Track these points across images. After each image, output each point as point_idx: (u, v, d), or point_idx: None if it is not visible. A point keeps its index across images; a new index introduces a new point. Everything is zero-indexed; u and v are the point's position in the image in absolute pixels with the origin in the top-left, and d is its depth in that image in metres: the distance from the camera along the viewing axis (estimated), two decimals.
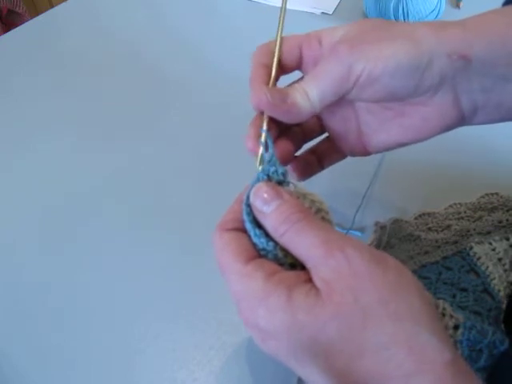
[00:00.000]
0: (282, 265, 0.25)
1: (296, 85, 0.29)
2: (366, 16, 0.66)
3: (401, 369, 0.20)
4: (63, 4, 0.78)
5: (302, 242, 0.23)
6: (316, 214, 0.26)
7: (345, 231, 0.40)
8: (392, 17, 0.61)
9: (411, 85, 0.28)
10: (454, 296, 0.32)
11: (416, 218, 0.41)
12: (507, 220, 0.38)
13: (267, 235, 0.25)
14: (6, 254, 0.43)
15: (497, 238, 0.34)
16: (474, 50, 0.27)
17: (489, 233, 0.37)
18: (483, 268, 0.33)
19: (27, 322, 0.38)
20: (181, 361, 0.34)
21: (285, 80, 0.32)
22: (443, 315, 0.29)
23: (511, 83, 0.28)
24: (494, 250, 0.34)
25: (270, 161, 0.27)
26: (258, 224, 0.25)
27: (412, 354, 0.20)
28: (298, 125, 0.33)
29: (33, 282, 0.40)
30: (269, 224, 0.25)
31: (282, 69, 0.32)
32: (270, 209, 0.25)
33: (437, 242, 0.37)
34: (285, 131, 0.32)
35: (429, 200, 0.42)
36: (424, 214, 0.41)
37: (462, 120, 0.30)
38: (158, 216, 0.44)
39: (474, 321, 0.29)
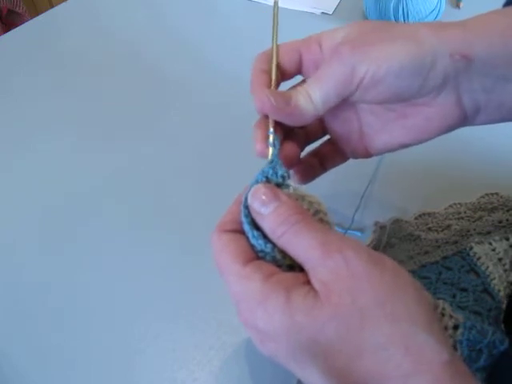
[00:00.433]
0: (280, 266, 0.25)
1: (299, 87, 0.29)
2: (365, 16, 0.66)
3: (399, 369, 0.20)
4: (63, 4, 0.78)
5: (300, 244, 0.23)
6: (314, 215, 0.26)
7: (344, 231, 0.40)
8: (392, 17, 0.61)
9: (415, 85, 0.28)
10: (453, 296, 0.32)
11: (416, 218, 0.41)
12: (507, 220, 0.38)
13: (265, 237, 0.25)
14: (6, 254, 0.43)
15: (497, 238, 0.34)
16: (475, 50, 0.27)
17: (489, 233, 0.37)
18: (483, 268, 0.33)
19: (27, 322, 0.38)
20: (181, 361, 0.34)
21: (286, 86, 0.32)
22: (443, 315, 0.29)
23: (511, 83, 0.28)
24: (494, 250, 0.34)
25: (271, 162, 0.27)
26: (256, 226, 0.25)
27: (409, 355, 0.20)
28: (301, 127, 0.33)
29: (33, 282, 0.40)
30: (267, 226, 0.25)
31: (283, 74, 0.32)
32: (267, 210, 0.25)
33: (437, 241, 0.37)
34: (288, 134, 0.32)
35: (429, 200, 0.42)
36: (424, 214, 0.41)
37: (465, 120, 0.30)
38: (157, 216, 0.44)
39: (474, 321, 0.29)
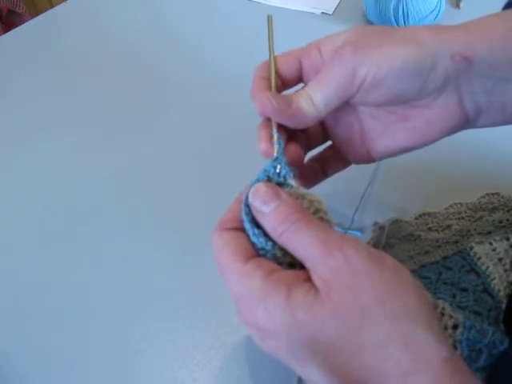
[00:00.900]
0: (280, 264, 0.25)
1: (301, 90, 0.29)
2: (365, 16, 0.66)
3: (398, 367, 0.20)
4: (63, 4, 0.78)
5: (301, 242, 0.23)
6: (314, 214, 0.26)
7: (344, 231, 0.40)
8: (392, 17, 0.61)
9: (416, 86, 0.28)
10: (454, 296, 0.31)
11: (416, 218, 0.41)
12: (507, 220, 0.38)
13: (266, 235, 0.25)
14: (6, 254, 0.43)
15: (497, 238, 0.34)
16: (476, 52, 0.27)
17: (489, 233, 0.37)
18: (483, 268, 0.33)
19: (27, 322, 0.38)
20: (181, 361, 0.34)
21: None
22: (442, 315, 0.29)
23: None
24: (494, 250, 0.34)
25: (276, 159, 0.27)
26: (256, 224, 0.26)
27: (409, 352, 0.20)
28: (303, 131, 0.33)
29: (33, 282, 0.40)
30: (267, 224, 0.25)
31: (284, 83, 0.32)
32: (268, 209, 0.25)
33: (437, 241, 0.37)
34: (290, 138, 0.32)
35: (429, 200, 0.42)
36: (424, 214, 0.41)
37: (466, 122, 0.30)
38: (157, 216, 0.44)
39: (474, 321, 0.29)
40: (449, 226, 0.39)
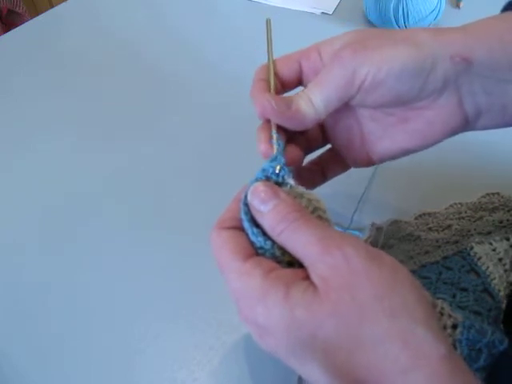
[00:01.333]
0: (279, 263, 0.25)
1: (300, 92, 0.29)
2: (366, 16, 0.66)
3: (397, 364, 0.20)
4: (63, 4, 0.78)
5: (299, 241, 0.24)
6: (313, 212, 0.26)
7: (343, 230, 0.40)
8: (392, 17, 0.60)
9: (416, 88, 0.28)
10: (454, 296, 0.31)
11: (416, 218, 0.41)
12: (508, 220, 0.38)
13: (265, 234, 0.25)
14: (6, 254, 0.43)
15: (497, 238, 0.34)
16: (476, 53, 0.27)
17: (489, 233, 0.37)
18: (483, 268, 0.33)
19: (27, 322, 0.38)
20: (181, 361, 0.34)
21: None
22: (441, 314, 0.29)
23: None
24: (494, 250, 0.34)
25: (273, 159, 0.27)
26: (255, 223, 0.26)
27: (407, 349, 0.20)
28: (302, 134, 0.33)
29: (33, 282, 0.40)
30: (266, 223, 0.25)
31: (283, 85, 0.32)
32: (267, 208, 0.25)
33: (437, 241, 0.37)
34: (290, 140, 0.32)
35: (429, 200, 0.42)
36: (424, 214, 0.41)
37: (466, 124, 0.30)
38: (157, 216, 0.44)
39: (474, 320, 0.29)
40: (449, 226, 0.39)
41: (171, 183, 0.47)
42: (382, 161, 0.33)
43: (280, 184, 0.27)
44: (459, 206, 0.41)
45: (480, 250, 0.34)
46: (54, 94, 0.60)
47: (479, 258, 0.34)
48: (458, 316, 0.29)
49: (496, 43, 0.27)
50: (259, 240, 0.25)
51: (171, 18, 0.72)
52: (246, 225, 0.26)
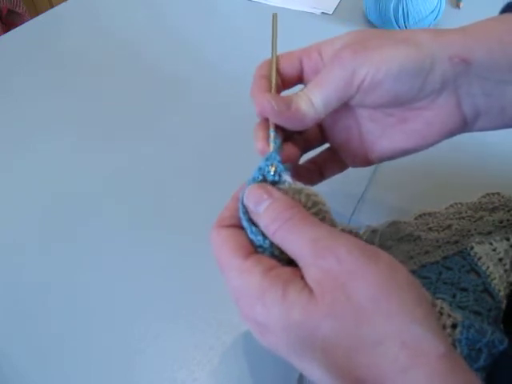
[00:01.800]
0: (280, 261, 0.25)
1: (300, 92, 0.29)
2: (366, 16, 0.66)
3: (396, 363, 0.20)
4: (63, 4, 0.78)
5: (292, 241, 0.24)
6: (313, 207, 0.26)
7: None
8: (392, 17, 0.61)
9: (415, 88, 0.28)
10: (454, 296, 0.31)
11: (416, 218, 0.41)
12: (508, 220, 0.38)
13: (264, 233, 0.25)
14: (6, 254, 0.43)
15: (497, 238, 0.34)
16: (475, 54, 0.27)
17: (490, 233, 0.37)
18: (484, 268, 0.33)
19: (27, 322, 0.38)
20: (181, 361, 0.34)
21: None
22: (441, 314, 0.29)
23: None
24: (494, 250, 0.34)
25: (268, 158, 0.27)
26: (254, 222, 0.26)
27: (406, 349, 0.20)
28: (301, 133, 0.33)
29: (33, 282, 0.40)
30: (262, 223, 0.25)
31: (284, 82, 0.32)
32: (261, 209, 0.25)
33: (437, 241, 0.37)
34: (287, 139, 0.32)
35: (429, 200, 0.42)
36: (424, 214, 0.41)
37: (465, 125, 0.30)
38: (157, 216, 0.44)
39: (474, 320, 0.29)
40: (449, 226, 0.39)
41: (171, 183, 0.47)
42: (380, 161, 0.33)
43: (277, 182, 0.27)
44: (459, 205, 0.41)
45: (480, 249, 0.34)
46: (54, 94, 0.60)
47: (479, 258, 0.34)
48: (458, 316, 0.29)
49: (495, 44, 0.27)
50: (258, 239, 0.25)
51: (171, 18, 0.72)
52: (245, 224, 0.26)
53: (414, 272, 0.35)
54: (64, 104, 0.58)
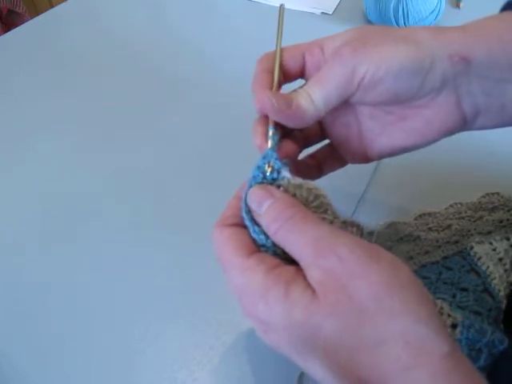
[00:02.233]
0: (283, 260, 0.25)
1: (300, 89, 0.29)
2: (366, 16, 0.66)
3: (399, 362, 0.20)
4: (63, 4, 0.78)
5: (293, 242, 0.24)
6: (315, 200, 0.26)
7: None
8: (392, 17, 0.61)
9: (414, 86, 0.28)
10: (454, 296, 0.31)
11: (416, 219, 0.41)
12: (508, 220, 0.38)
13: (266, 232, 0.25)
14: (6, 254, 0.43)
15: (497, 237, 0.34)
16: (475, 53, 0.27)
17: (489, 233, 0.37)
18: (484, 268, 0.33)
19: (27, 322, 0.38)
20: (181, 361, 0.34)
21: (287, 89, 0.32)
22: (441, 314, 0.29)
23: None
24: (494, 249, 0.34)
25: (265, 156, 0.27)
26: (256, 221, 0.26)
27: (409, 348, 0.20)
28: (300, 130, 0.33)
29: (33, 282, 0.40)
30: (263, 223, 0.25)
31: (286, 76, 0.32)
32: (263, 209, 0.25)
33: (437, 241, 0.37)
34: (286, 135, 0.32)
35: (429, 200, 0.42)
36: (424, 214, 0.41)
37: (464, 123, 0.30)
38: (158, 216, 0.44)
39: (474, 320, 0.29)
40: (449, 226, 0.39)
41: (171, 183, 0.47)
42: (379, 158, 0.33)
43: (276, 178, 0.27)
44: (459, 205, 0.41)
45: (480, 249, 0.34)
46: (54, 94, 0.60)
47: (479, 258, 0.34)
48: (458, 316, 0.29)
49: (495, 43, 0.27)
50: (261, 238, 0.25)
51: (171, 19, 0.72)
52: (248, 223, 0.26)
53: (414, 272, 0.35)
54: (64, 104, 0.58)
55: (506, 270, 0.33)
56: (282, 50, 0.32)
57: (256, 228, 0.25)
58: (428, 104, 0.29)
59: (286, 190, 0.26)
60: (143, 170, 0.49)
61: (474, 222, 0.39)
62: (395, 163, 0.40)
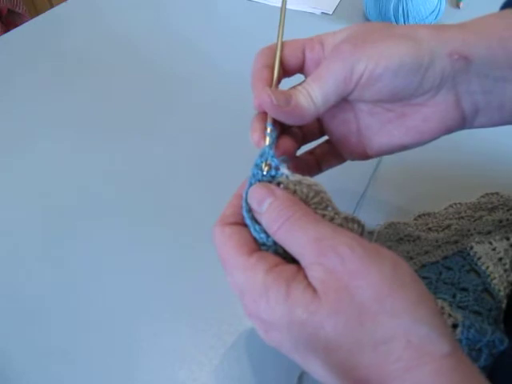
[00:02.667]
0: (284, 258, 0.25)
1: (299, 87, 0.29)
2: (366, 16, 0.66)
3: (400, 362, 0.20)
4: (63, 4, 0.78)
5: (294, 241, 0.24)
6: (315, 196, 0.26)
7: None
8: (392, 17, 0.61)
9: (413, 84, 0.28)
10: (454, 296, 0.32)
11: (416, 219, 0.41)
12: (507, 220, 0.38)
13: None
14: (6, 253, 0.43)
15: (497, 237, 0.34)
16: (475, 51, 0.27)
17: (489, 232, 0.37)
18: (484, 268, 0.33)
19: (27, 322, 0.38)
20: (181, 361, 0.34)
21: (286, 83, 0.32)
22: (442, 314, 0.29)
23: (511, 84, 0.28)
24: (494, 249, 0.34)
25: (262, 154, 0.27)
26: (257, 220, 0.26)
27: (410, 348, 0.20)
28: (299, 126, 0.33)
29: (33, 282, 0.40)
30: (264, 222, 0.25)
31: (285, 71, 0.32)
32: (263, 208, 0.25)
33: (437, 241, 0.37)
34: (284, 131, 0.32)
35: (428, 200, 0.42)
36: (424, 215, 0.41)
37: (463, 122, 0.30)
38: (158, 216, 0.44)
39: (474, 320, 0.29)
40: (449, 226, 0.39)
41: (171, 182, 0.47)
42: (377, 155, 0.33)
43: (275, 176, 0.27)
44: (459, 205, 0.41)
45: (480, 249, 0.34)
46: (54, 94, 0.60)
47: (479, 258, 0.34)
48: (458, 316, 0.29)
49: (495, 40, 0.27)
50: (261, 236, 0.25)
51: (171, 19, 0.72)
52: (249, 222, 0.26)
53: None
54: (64, 104, 0.58)
55: (505, 270, 0.33)
56: (282, 45, 0.31)
57: (257, 227, 0.25)
58: (427, 102, 0.29)
59: (286, 187, 0.26)
60: (144, 169, 0.49)
61: (474, 221, 0.39)
62: (395, 163, 0.41)
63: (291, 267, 0.24)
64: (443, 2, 0.61)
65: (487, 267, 0.33)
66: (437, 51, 0.28)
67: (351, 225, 0.26)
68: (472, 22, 0.29)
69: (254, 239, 0.26)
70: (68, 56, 0.66)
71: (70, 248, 0.42)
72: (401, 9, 0.60)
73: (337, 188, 0.43)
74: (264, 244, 0.25)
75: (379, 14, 0.62)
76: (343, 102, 0.30)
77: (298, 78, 0.32)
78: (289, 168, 0.27)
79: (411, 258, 0.37)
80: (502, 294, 0.32)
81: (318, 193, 0.26)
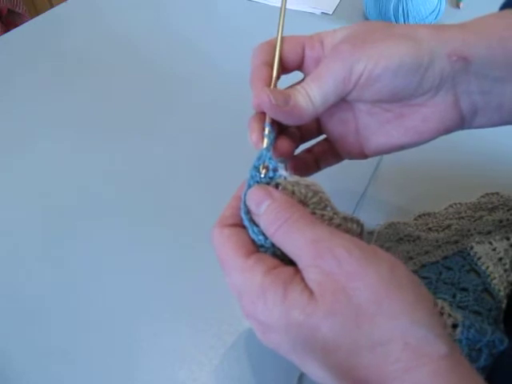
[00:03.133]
0: (282, 260, 0.25)
1: (298, 86, 0.29)
2: (366, 16, 0.66)
3: (397, 364, 0.20)
4: (63, 4, 0.78)
5: (291, 243, 0.24)
6: (314, 196, 0.26)
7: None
8: (392, 17, 0.61)
9: (413, 84, 0.28)
10: (454, 296, 0.32)
11: (416, 219, 0.41)
12: (507, 220, 0.38)
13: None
14: (6, 253, 0.43)
15: (497, 237, 0.34)
16: (474, 51, 0.27)
17: (489, 232, 0.37)
18: (484, 268, 0.33)
19: (27, 322, 0.38)
20: (181, 361, 0.34)
21: (284, 80, 0.32)
22: (441, 314, 0.29)
23: (510, 84, 0.28)
24: (494, 249, 0.34)
25: (260, 157, 0.27)
26: (255, 222, 0.26)
27: (407, 350, 0.20)
28: (296, 126, 0.33)
29: (33, 282, 0.40)
30: (262, 224, 0.25)
31: (284, 67, 0.31)
32: (261, 210, 0.25)
33: (437, 241, 0.37)
34: (282, 131, 0.32)
35: (429, 200, 0.42)
36: (424, 215, 0.41)
37: (462, 122, 0.30)
38: (158, 216, 0.44)
39: (474, 320, 0.29)
40: (449, 226, 0.39)
41: (171, 183, 0.47)
42: (375, 154, 0.33)
43: (273, 177, 0.27)
44: (459, 205, 0.41)
45: (480, 249, 0.34)
46: (54, 94, 0.60)
47: (479, 258, 0.34)
48: (458, 316, 0.29)
49: (495, 41, 0.27)
50: (259, 238, 0.25)
51: (171, 19, 0.72)
52: (247, 223, 0.26)
53: (414, 272, 0.35)
54: (64, 104, 0.58)
55: (505, 270, 0.33)
56: (281, 42, 0.31)
57: (255, 228, 0.25)
58: (426, 102, 0.29)
59: (285, 188, 0.26)
60: (144, 169, 0.49)
61: (474, 221, 0.39)
62: (395, 163, 0.40)
63: (289, 269, 0.24)
64: (443, 2, 0.61)
65: (487, 267, 0.33)
66: (437, 51, 0.28)
67: (350, 224, 0.26)
68: (472, 22, 0.29)
69: (253, 241, 0.26)
70: (68, 56, 0.66)
71: (70, 248, 0.42)
72: (401, 9, 0.60)
73: (337, 188, 0.43)
74: (262, 246, 0.25)
75: (379, 14, 0.62)
76: (342, 101, 0.30)
77: (296, 74, 0.32)
78: (287, 169, 0.27)
79: (411, 258, 0.37)
80: (501, 293, 0.32)
81: (316, 193, 0.26)
